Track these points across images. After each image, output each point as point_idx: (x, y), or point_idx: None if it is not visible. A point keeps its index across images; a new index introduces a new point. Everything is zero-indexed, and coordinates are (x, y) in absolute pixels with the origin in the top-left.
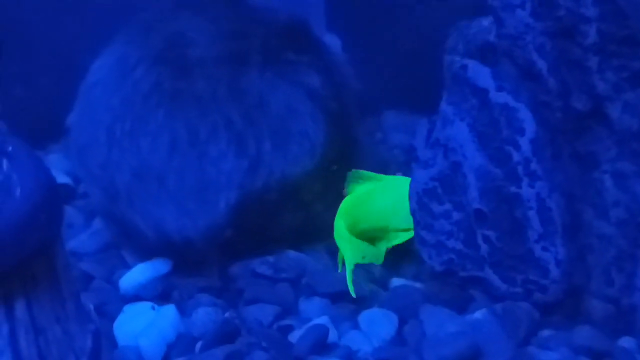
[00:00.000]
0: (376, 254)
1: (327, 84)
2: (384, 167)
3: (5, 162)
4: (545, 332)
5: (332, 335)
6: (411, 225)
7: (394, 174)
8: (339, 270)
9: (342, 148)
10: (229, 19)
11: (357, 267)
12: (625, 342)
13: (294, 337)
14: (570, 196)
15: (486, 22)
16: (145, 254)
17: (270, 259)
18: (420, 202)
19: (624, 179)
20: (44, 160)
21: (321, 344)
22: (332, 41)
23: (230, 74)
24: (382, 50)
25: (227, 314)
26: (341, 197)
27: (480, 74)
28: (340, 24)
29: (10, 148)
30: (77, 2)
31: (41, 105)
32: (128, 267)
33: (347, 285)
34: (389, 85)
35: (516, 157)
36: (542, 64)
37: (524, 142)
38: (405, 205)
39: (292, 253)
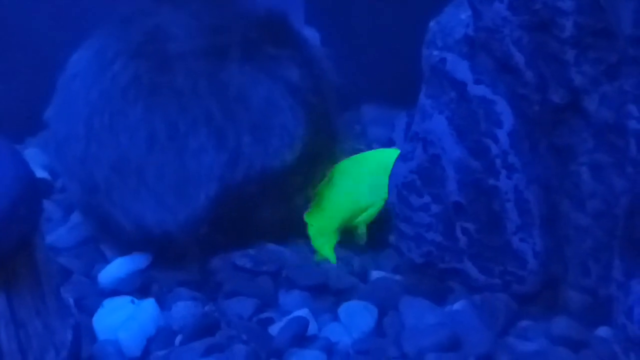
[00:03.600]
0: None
1: (307, 77)
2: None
3: None
4: (524, 323)
5: (312, 328)
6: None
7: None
8: (317, 260)
9: (322, 141)
10: (208, 13)
11: (338, 259)
12: (603, 331)
13: (274, 329)
14: (548, 188)
15: (464, 15)
16: (125, 247)
17: (251, 252)
18: (399, 194)
19: (600, 171)
20: (22, 154)
21: (301, 336)
22: (311, 34)
23: (210, 68)
24: (360, 44)
25: (206, 307)
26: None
27: (459, 67)
28: (319, 17)
29: None
30: None
31: (17, 98)
32: (107, 261)
33: (327, 278)
34: (368, 78)
35: (494, 149)
36: (519, 57)
37: (502, 135)
38: (375, 178)
39: (272, 246)
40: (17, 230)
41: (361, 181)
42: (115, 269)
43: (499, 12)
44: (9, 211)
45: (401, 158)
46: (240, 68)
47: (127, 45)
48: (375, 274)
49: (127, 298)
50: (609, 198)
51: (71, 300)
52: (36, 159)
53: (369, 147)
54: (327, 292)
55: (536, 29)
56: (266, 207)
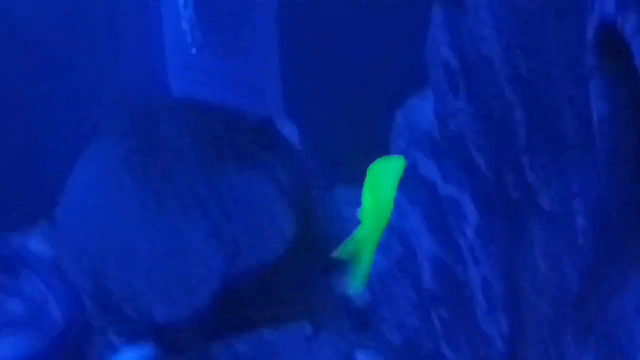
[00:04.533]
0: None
1: (293, 177)
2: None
3: None
4: None
5: None
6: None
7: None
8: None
9: (310, 234)
10: (204, 123)
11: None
12: None
13: None
14: (511, 276)
15: (429, 111)
16: (131, 337)
17: (249, 339)
18: (380, 283)
19: (554, 261)
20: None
21: None
22: (291, 130)
23: (209, 174)
24: (335, 131)
25: None
26: (313, 280)
27: (428, 167)
28: (297, 110)
29: None
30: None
31: (15, 187)
32: (115, 350)
33: None
34: (342, 161)
35: (463, 243)
36: (481, 161)
37: (470, 230)
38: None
39: (269, 333)
40: None
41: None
42: (123, 358)
43: (463, 121)
44: None
45: (380, 250)
46: (236, 172)
47: (131, 157)
48: (360, 356)
49: None
50: (562, 286)
51: None
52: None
53: (345, 229)
54: None
55: (496, 136)
56: (263, 297)
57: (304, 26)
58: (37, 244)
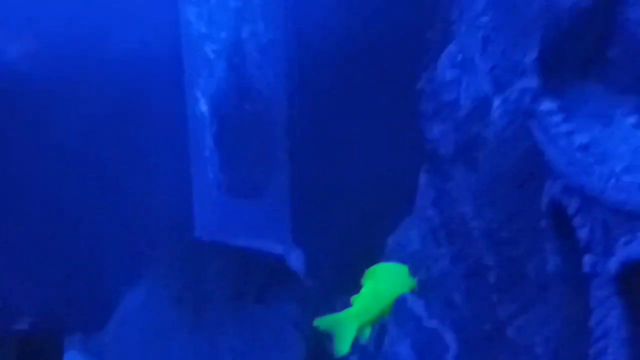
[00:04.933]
0: None
1: (300, 305)
2: None
3: None
4: None
5: None
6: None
7: None
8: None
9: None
10: (227, 262)
11: None
12: None
13: None
14: None
15: (417, 243)
16: None
17: None
18: None
19: None
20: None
21: None
22: (297, 255)
23: (231, 305)
24: (337, 257)
25: None
26: None
27: (416, 304)
28: (304, 242)
29: None
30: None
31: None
32: None
33: None
34: (343, 274)
35: None
36: (459, 299)
37: (450, 357)
38: None
39: None
40: None
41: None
42: None
43: (444, 265)
44: None
45: None
46: (253, 304)
47: (170, 291)
48: None
49: None
50: None
51: None
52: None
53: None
54: None
55: (471, 277)
56: None
57: (309, 176)
58: (73, 355)
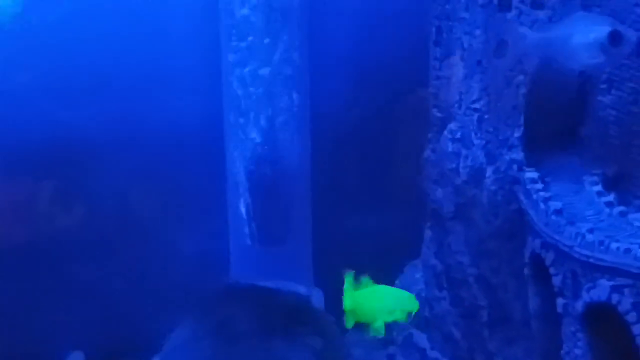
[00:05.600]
0: None
1: (325, 342)
2: None
3: None
4: None
5: None
6: None
7: None
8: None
9: None
10: (258, 302)
11: None
12: None
13: None
14: None
15: (421, 286)
16: None
17: None
18: None
19: None
20: None
21: None
22: (318, 295)
23: (261, 344)
24: None
25: None
26: None
27: (420, 338)
28: (323, 282)
29: None
30: None
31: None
32: None
33: None
34: None
35: None
36: (457, 334)
37: None
38: None
39: None
40: None
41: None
42: None
43: (444, 306)
44: None
45: None
46: (281, 343)
47: (209, 327)
48: None
49: None
50: None
51: None
52: None
53: None
54: None
55: (466, 317)
56: None
57: (328, 228)
58: None
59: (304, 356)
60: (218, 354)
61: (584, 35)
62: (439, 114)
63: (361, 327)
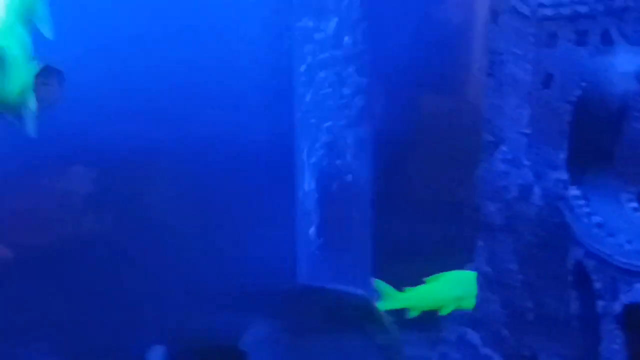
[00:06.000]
0: None
1: (386, 336)
2: None
3: None
4: None
5: None
6: None
7: None
8: None
9: None
10: (327, 302)
11: None
12: None
13: None
14: None
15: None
16: None
17: None
18: None
19: None
20: None
21: None
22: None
23: (332, 338)
24: None
25: None
26: None
27: (473, 336)
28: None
29: None
30: None
31: None
32: None
33: None
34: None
35: None
36: (506, 332)
37: None
38: None
39: None
40: None
41: None
42: None
43: (494, 308)
44: None
45: None
46: (349, 336)
47: (284, 325)
48: None
49: None
50: None
51: None
52: None
53: None
54: None
55: (513, 317)
56: None
57: (388, 235)
58: None
59: (368, 348)
60: (296, 348)
61: (623, 67)
62: (491, 138)
63: (414, 326)
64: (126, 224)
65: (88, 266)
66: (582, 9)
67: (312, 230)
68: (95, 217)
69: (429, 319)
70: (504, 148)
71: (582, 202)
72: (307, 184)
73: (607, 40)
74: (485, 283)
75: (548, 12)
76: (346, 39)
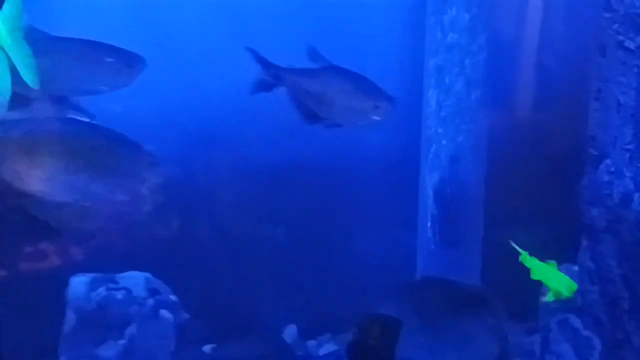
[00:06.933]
0: None
1: (497, 321)
2: None
3: None
4: None
5: None
6: None
7: None
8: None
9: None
10: (442, 294)
11: None
12: None
13: None
14: None
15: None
16: None
17: None
18: None
19: None
20: None
21: None
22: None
23: (449, 322)
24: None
25: None
26: None
27: (575, 321)
28: (492, 274)
29: None
30: None
31: None
32: None
33: None
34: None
35: None
36: (604, 318)
37: (596, 354)
38: None
39: None
40: None
41: None
42: None
43: (593, 297)
44: None
45: None
46: (467, 322)
47: (408, 309)
48: None
49: None
50: None
51: None
52: None
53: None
54: None
55: (610, 305)
56: None
57: (496, 234)
58: None
59: (480, 331)
60: (415, 329)
61: None
62: (595, 152)
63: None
64: (289, 229)
65: (255, 262)
66: None
67: (430, 230)
68: (271, 225)
69: (528, 311)
70: (608, 161)
71: None
72: (427, 189)
73: None
74: (587, 276)
75: None
76: (466, 61)
